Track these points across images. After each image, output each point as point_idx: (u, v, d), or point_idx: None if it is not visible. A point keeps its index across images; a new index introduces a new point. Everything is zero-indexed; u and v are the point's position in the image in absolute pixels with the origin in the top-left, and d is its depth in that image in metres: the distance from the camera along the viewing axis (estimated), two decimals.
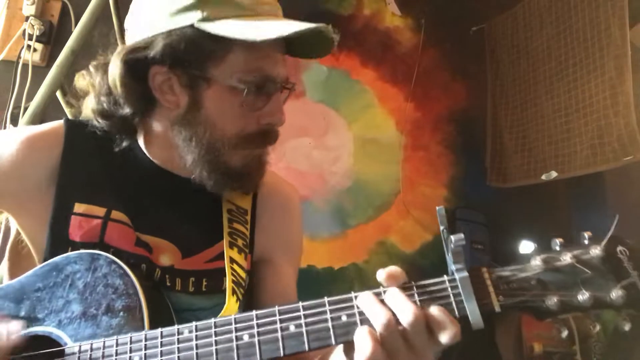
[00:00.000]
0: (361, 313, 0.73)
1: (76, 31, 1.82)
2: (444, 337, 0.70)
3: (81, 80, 1.07)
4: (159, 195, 1.05)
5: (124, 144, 1.05)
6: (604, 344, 2.63)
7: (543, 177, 2.63)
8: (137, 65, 0.95)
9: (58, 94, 1.82)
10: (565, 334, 0.80)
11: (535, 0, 2.80)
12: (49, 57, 2.42)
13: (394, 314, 0.70)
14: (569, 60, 2.59)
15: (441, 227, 0.76)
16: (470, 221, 2.90)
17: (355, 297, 0.74)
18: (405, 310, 0.70)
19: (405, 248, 2.88)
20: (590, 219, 2.85)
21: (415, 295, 0.74)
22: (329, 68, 2.94)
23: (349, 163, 2.91)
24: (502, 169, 2.98)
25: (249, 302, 1.10)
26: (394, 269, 0.75)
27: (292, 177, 2.74)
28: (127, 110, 0.99)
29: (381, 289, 0.75)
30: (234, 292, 0.98)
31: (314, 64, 2.90)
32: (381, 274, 0.75)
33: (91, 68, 1.04)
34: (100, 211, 0.98)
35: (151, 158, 1.05)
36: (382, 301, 0.72)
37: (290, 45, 1.03)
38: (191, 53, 0.93)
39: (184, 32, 0.92)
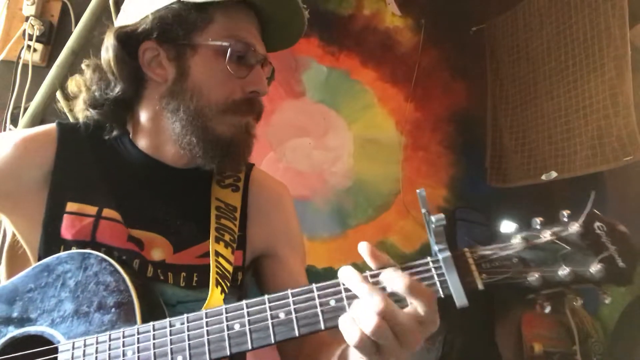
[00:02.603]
0: (349, 297, 0.75)
1: (76, 31, 1.83)
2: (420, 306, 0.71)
3: (73, 83, 1.11)
4: (151, 189, 1.07)
5: (115, 132, 1.09)
6: (604, 344, 2.63)
7: (543, 177, 2.63)
8: (128, 42, 1.02)
9: (58, 94, 1.84)
10: (548, 309, 0.82)
11: (535, 0, 2.80)
12: (49, 57, 2.42)
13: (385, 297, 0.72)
14: (569, 60, 2.59)
15: (422, 210, 0.78)
16: (470, 221, 2.89)
17: (343, 282, 0.76)
18: (396, 279, 0.72)
19: (405, 248, 2.88)
20: None
21: None
22: (329, 68, 2.94)
23: (349, 163, 2.91)
24: (502, 169, 2.97)
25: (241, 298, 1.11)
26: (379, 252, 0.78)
27: (292, 177, 2.74)
28: (118, 89, 1.03)
29: (367, 273, 0.77)
30: (217, 283, 1.00)
31: (314, 64, 2.91)
32: (364, 248, 0.77)
33: (83, 67, 1.10)
34: (92, 210, 1.00)
35: (141, 149, 1.08)
36: (371, 283, 0.74)
37: (266, 34, 1.10)
38: (177, 25, 1.01)
39: (171, 7, 1.00)
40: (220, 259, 1.03)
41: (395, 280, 0.73)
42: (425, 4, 3.10)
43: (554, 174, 2.59)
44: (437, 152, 3.05)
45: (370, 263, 0.78)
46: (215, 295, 0.98)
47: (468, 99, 3.12)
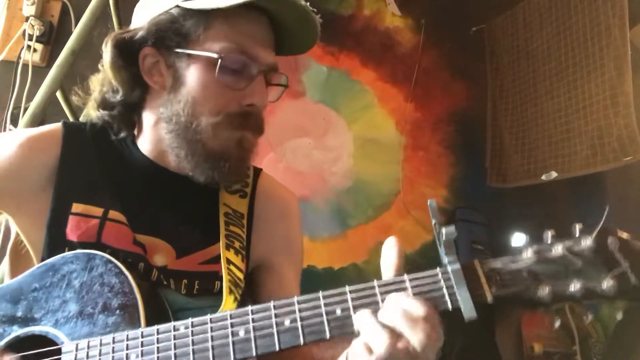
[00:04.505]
0: (355, 306, 0.74)
1: (76, 31, 1.82)
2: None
3: (93, 80, 1.10)
4: (156, 194, 1.05)
5: (122, 134, 1.07)
6: (604, 344, 2.63)
7: (543, 177, 2.63)
8: (127, 48, 0.99)
9: (58, 94, 1.83)
10: (558, 323, 0.82)
11: (535, 0, 2.80)
12: (49, 57, 2.42)
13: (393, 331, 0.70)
14: (569, 60, 2.59)
15: (433, 221, 0.77)
16: (470, 221, 2.89)
17: (350, 291, 0.75)
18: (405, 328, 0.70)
19: (405, 248, 2.86)
20: (590, 219, 2.83)
21: (409, 288, 0.74)
22: (329, 68, 2.94)
23: (349, 163, 2.91)
24: (502, 169, 2.98)
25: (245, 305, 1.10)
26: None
27: (292, 177, 2.75)
28: (121, 95, 1.02)
29: (378, 298, 0.75)
30: (231, 291, 0.98)
31: (313, 64, 2.91)
32: (391, 243, 0.78)
33: (100, 66, 1.07)
34: (98, 211, 0.98)
35: (146, 154, 1.06)
36: (380, 322, 0.72)
37: (280, 42, 1.06)
38: (173, 31, 0.98)
39: (170, 12, 0.97)
40: (232, 267, 1.02)
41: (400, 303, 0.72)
42: (425, 4, 3.10)
43: (554, 174, 2.59)
44: (437, 152, 3.05)
45: (391, 266, 0.77)
46: (228, 304, 0.96)
47: (468, 99, 3.13)
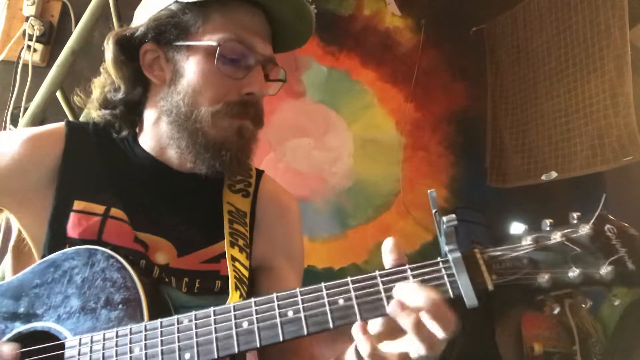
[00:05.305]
0: (358, 296, 0.75)
1: (76, 31, 1.82)
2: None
3: (95, 82, 1.11)
4: (158, 192, 1.06)
5: (123, 133, 1.09)
6: (604, 344, 2.63)
7: (543, 177, 2.63)
8: (128, 45, 1.02)
9: (58, 94, 1.83)
10: (557, 310, 0.84)
11: (535, 1, 2.80)
12: (49, 57, 2.43)
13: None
14: (569, 60, 2.59)
15: (433, 210, 0.78)
16: (470, 221, 2.89)
17: (352, 281, 0.76)
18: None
19: (405, 248, 2.87)
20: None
21: (410, 277, 0.75)
22: (329, 68, 2.94)
23: (349, 163, 2.91)
24: (502, 169, 2.97)
25: None
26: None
27: (292, 178, 2.74)
28: (122, 92, 1.04)
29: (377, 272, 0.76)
30: (237, 287, 0.99)
31: (314, 64, 2.91)
32: (389, 247, 0.78)
33: (101, 69, 1.09)
34: (100, 209, 0.99)
35: (148, 152, 1.07)
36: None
37: (276, 37, 1.08)
38: (172, 25, 1.00)
39: (169, 8, 1.00)
40: (237, 264, 1.02)
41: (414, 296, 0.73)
42: (425, 4, 3.11)
43: (554, 174, 2.59)
44: (437, 152, 3.05)
45: (389, 258, 0.78)
46: (234, 300, 0.96)
47: (468, 99, 3.13)
